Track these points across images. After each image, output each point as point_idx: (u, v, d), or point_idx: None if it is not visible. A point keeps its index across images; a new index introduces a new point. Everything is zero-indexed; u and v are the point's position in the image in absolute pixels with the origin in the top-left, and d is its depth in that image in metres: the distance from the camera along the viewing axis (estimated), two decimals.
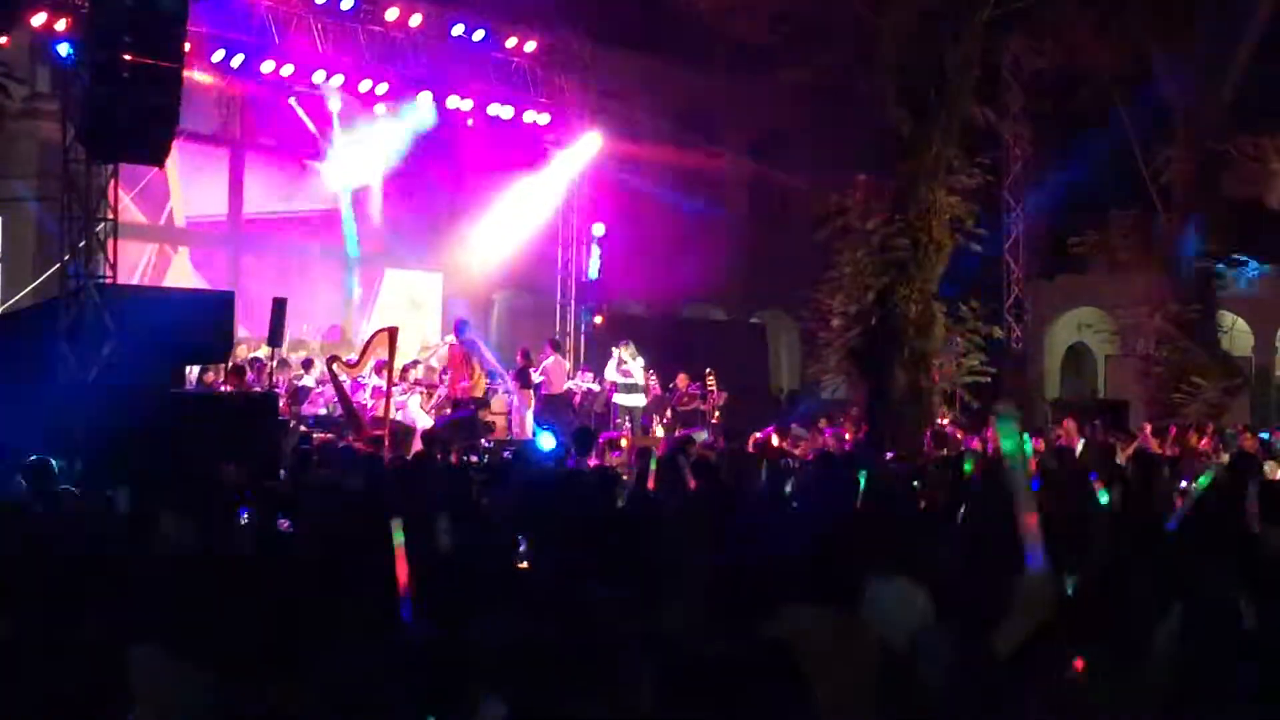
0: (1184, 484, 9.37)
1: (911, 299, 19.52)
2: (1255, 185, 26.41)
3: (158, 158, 15.05)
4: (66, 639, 5.07)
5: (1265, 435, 20.97)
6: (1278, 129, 25.75)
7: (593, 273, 27.84)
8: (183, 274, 24.67)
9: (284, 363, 20.87)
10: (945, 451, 18.27)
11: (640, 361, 23.29)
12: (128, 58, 13.69)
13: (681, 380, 24.71)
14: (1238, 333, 31.08)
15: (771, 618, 5.04)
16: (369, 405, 20.04)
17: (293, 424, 18.46)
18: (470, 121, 25.50)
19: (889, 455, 16.75)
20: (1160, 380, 26.34)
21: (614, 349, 23.75)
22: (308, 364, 21.59)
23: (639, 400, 23.22)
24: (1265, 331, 33.57)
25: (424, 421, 19.98)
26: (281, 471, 13.71)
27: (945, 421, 20.98)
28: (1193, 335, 26.05)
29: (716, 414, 24.34)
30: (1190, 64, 25.70)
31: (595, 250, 27.78)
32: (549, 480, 11.62)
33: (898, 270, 19.51)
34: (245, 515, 8.40)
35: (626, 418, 23.10)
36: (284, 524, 8.40)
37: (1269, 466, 18.33)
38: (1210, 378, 25.61)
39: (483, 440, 19.63)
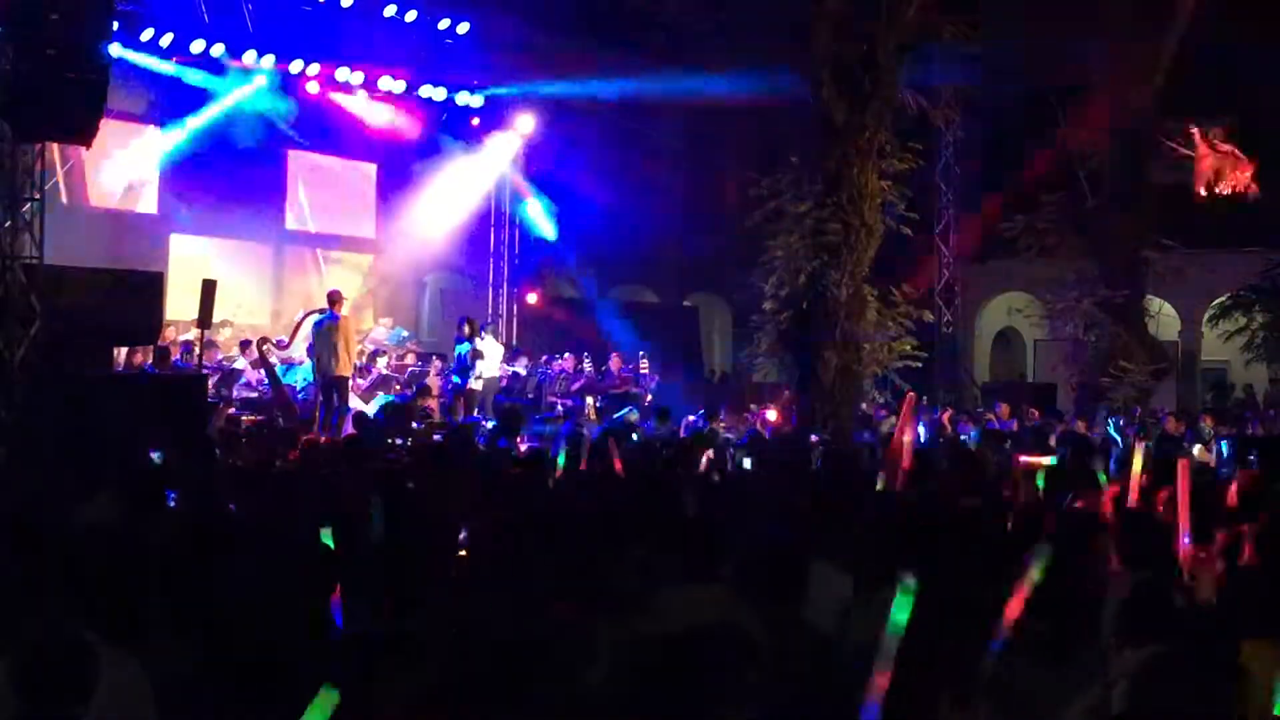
0: None
1: (843, 282, 19.58)
2: (1182, 171, 26.66)
3: (85, 137, 14.85)
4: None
5: None
6: (1204, 115, 26.01)
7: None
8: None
9: (212, 344, 20.64)
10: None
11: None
12: (53, 35, 13.50)
13: (614, 362, 24.74)
14: (1164, 317, 31.40)
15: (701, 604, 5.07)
16: (299, 387, 19.91)
17: (220, 406, 18.31)
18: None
19: (815, 439, 16.88)
20: (1088, 364, 26.59)
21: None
22: (245, 345, 21.32)
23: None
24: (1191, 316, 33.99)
25: (356, 404, 19.87)
26: (217, 451, 13.61)
27: (865, 405, 21.10)
28: (1121, 319, 26.28)
29: (649, 396, 24.38)
30: (1120, 50, 25.89)
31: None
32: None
33: (829, 254, 19.56)
34: (173, 499, 8.32)
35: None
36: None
37: (1197, 450, 18.57)
38: (1137, 361, 25.87)
39: (413, 424, 19.51)
